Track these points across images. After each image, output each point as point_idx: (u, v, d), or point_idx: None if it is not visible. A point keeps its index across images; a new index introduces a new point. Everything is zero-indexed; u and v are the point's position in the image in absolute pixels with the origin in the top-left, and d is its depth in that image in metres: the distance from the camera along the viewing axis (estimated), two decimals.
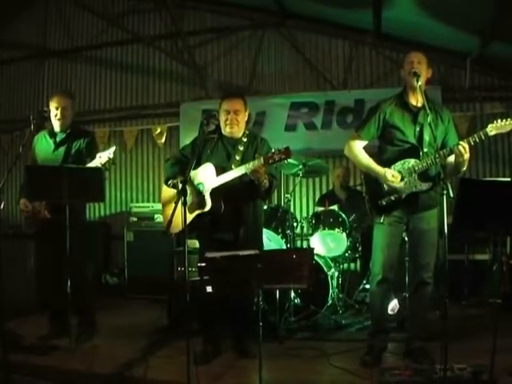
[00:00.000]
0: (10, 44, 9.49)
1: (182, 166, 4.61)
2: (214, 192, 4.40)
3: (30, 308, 6.13)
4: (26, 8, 9.38)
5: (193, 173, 4.48)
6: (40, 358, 4.56)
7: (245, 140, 4.63)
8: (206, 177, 4.44)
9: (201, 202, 4.42)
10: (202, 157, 4.60)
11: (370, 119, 4.39)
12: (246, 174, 4.31)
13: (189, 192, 4.38)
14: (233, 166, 4.44)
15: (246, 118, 4.72)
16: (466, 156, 3.96)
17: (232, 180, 4.37)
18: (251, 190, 4.48)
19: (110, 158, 4.81)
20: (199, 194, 4.44)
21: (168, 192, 4.69)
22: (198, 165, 4.52)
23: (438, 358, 3.78)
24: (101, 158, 4.79)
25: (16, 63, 9.55)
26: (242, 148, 4.58)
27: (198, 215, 4.43)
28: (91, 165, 4.81)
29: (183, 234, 3.87)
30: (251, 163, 4.24)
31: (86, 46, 9.21)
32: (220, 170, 4.44)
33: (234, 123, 4.58)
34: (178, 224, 3.99)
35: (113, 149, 4.86)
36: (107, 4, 9.05)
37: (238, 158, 4.53)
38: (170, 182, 4.59)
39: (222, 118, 4.60)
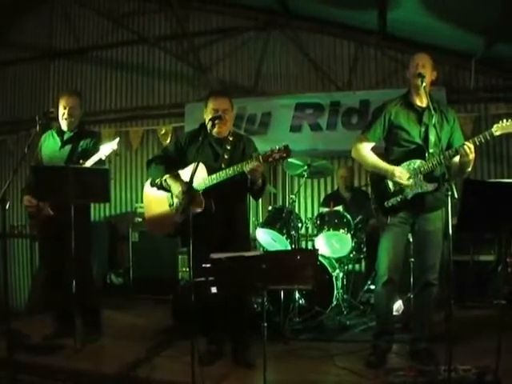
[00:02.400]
0: (16, 45, 9.50)
1: (166, 165, 4.52)
2: (204, 192, 4.31)
3: (36, 307, 6.14)
4: (31, 9, 9.39)
5: (181, 173, 4.45)
6: (45, 357, 4.58)
7: (231, 139, 4.53)
8: (197, 177, 4.18)
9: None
10: (188, 157, 4.52)
11: (375, 121, 4.40)
12: (236, 173, 4.22)
13: (176, 193, 4.35)
14: (223, 165, 4.35)
15: (233, 117, 4.67)
16: (472, 156, 3.96)
17: (222, 179, 4.29)
18: (241, 189, 4.42)
19: (113, 150, 4.85)
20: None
21: (152, 193, 4.65)
22: (184, 165, 4.46)
23: (442, 359, 3.79)
24: (104, 151, 4.83)
25: (22, 64, 9.56)
26: (229, 147, 4.48)
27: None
28: (95, 157, 4.82)
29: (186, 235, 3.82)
30: (249, 162, 4.13)
31: (92, 47, 9.22)
32: (209, 170, 4.34)
33: (223, 123, 4.45)
34: (163, 225, 3.94)
35: (116, 140, 4.91)
36: (113, 5, 9.06)
37: (226, 156, 4.44)
38: (157, 181, 4.51)
39: (210, 116, 4.44)
